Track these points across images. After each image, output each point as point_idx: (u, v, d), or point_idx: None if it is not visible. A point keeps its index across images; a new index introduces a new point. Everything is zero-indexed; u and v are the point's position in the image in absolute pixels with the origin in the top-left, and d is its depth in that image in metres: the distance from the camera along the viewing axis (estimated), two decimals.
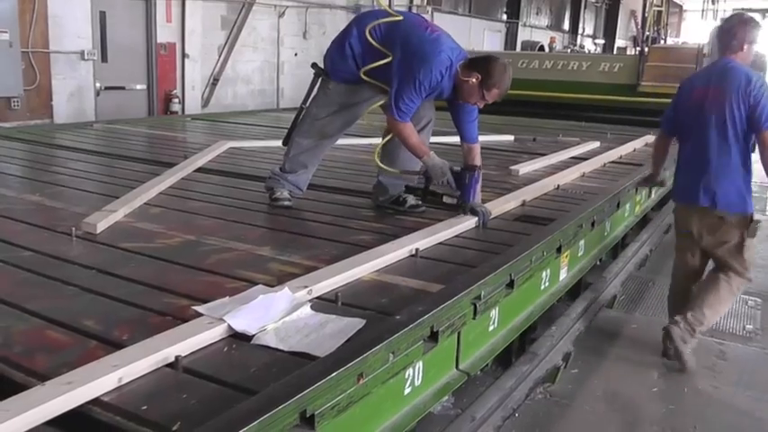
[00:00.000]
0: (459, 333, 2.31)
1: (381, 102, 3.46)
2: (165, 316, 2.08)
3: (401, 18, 3.36)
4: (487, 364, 3.21)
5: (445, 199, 3.50)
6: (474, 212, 3.37)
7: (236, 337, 1.94)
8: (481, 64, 3.24)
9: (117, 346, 1.84)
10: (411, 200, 3.66)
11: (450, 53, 3.23)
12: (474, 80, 3.19)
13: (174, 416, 1.52)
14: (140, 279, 2.43)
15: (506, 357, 3.24)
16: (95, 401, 1.58)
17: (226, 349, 1.89)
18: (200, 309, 2.05)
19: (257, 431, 1.41)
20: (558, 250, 3.14)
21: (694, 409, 3.29)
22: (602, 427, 3.12)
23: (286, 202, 3.66)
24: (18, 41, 7.16)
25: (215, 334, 1.91)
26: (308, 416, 1.56)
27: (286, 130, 3.76)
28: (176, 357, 1.75)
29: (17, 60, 7.16)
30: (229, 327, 1.94)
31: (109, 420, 1.55)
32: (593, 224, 3.66)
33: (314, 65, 3.61)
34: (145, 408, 1.55)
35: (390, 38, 3.30)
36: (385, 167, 3.52)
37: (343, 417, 1.70)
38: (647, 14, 11.44)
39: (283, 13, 11.37)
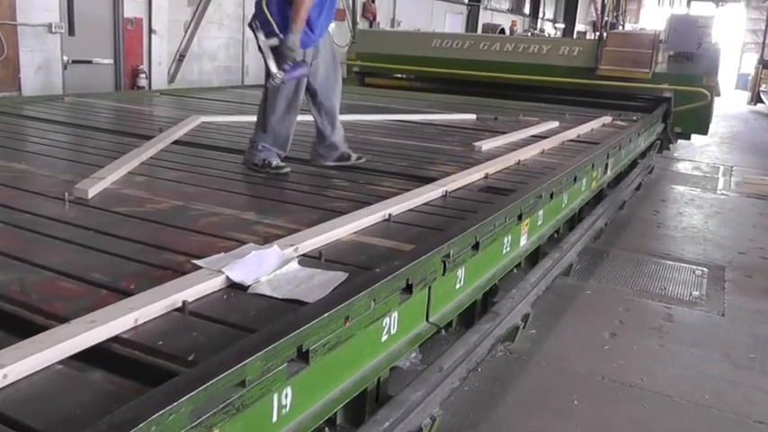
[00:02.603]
0: (430, 288, 2.56)
1: None
2: (167, 270, 2.28)
3: None
4: (452, 324, 3.49)
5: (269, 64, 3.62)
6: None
7: (234, 287, 2.15)
8: None
9: (126, 294, 2.03)
10: (275, 162, 3.97)
11: None
12: None
13: (188, 349, 1.73)
14: (138, 238, 2.62)
15: (470, 319, 3.52)
16: (115, 339, 1.78)
17: (225, 297, 2.10)
18: (199, 262, 2.26)
19: (262, 360, 1.63)
20: (519, 218, 3.40)
21: (642, 364, 3.61)
22: (557, 379, 3.42)
23: (286, 169, 3.97)
24: None
25: (215, 284, 2.13)
26: (303, 350, 1.79)
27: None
28: (183, 302, 1.96)
29: None
30: (227, 278, 2.16)
31: (128, 354, 1.75)
32: (551, 196, 3.94)
33: None
34: (161, 343, 1.76)
35: None
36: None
37: (332, 355, 1.94)
38: (603, 2, 11.78)
39: None
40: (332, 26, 4.26)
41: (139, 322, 1.85)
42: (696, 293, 4.77)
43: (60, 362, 1.65)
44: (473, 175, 4.02)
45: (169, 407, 1.35)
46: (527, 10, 26.86)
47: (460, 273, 2.85)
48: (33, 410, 1.46)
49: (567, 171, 4.25)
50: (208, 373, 1.49)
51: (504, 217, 3.17)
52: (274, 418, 1.79)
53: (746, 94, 24.22)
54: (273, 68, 3.60)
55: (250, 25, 3.76)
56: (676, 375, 3.54)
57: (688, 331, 4.13)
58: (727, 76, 26.00)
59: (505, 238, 3.37)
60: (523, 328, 3.68)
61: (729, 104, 21.72)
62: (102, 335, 1.76)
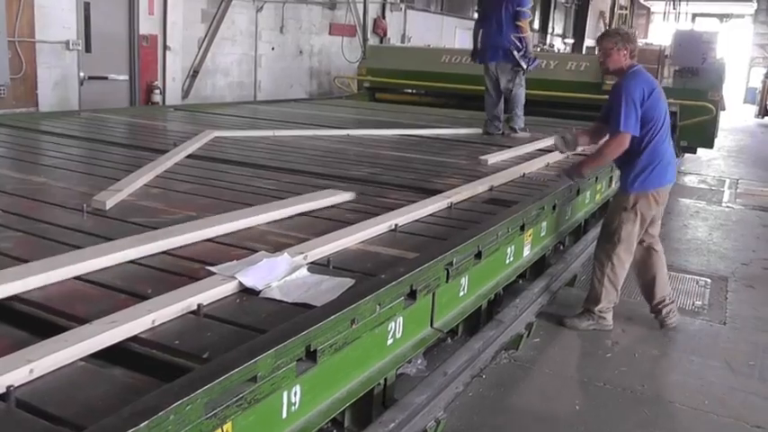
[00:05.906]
0: (434, 294, 2.66)
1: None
2: (182, 276, 2.40)
3: None
4: (458, 333, 3.59)
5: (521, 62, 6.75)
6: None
7: (246, 292, 2.27)
8: None
9: (143, 298, 2.15)
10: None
11: None
12: None
13: (202, 347, 1.85)
14: None
15: (476, 327, 3.61)
16: (134, 338, 1.90)
17: (238, 301, 2.22)
18: (213, 269, 2.38)
19: (273, 357, 1.74)
20: (522, 228, 3.50)
21: (643, 371, 3.67)
22: (559, 386, 3.50)
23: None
24: (4, 31, 7.29)
25: (228, 288, 2.24)
26: (311, 350, 1.90)
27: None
28: (198, 305, 2.08)
29: (3, 49, 7.29)
30: (240, 283, 2.27)
31: (146, 353, 1.87)
32: (554, 207, 4.03)
33: None
34: (177, 342, 1.88)
35: None
36: None
37: (339, 355, 2.04)
38: (611, 17, 11.86)
39: (261, 7, 11.61)
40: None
41: (157, 323, 1.97)
42: (698, 303, 4.82)
43: (82, 359, 1.77)
44: (478, 188, 4.11)
45: (187, 397, 1.46)
46: (536, 25, 27.00)
47: (464, 281, 2.95)
48: (58, 401, 1.58)
49: (569, 183, 4.34)
50: (222, 368, 1.61)
51: (507, 227, 3.27)
52: (284, 415, 1.90)
53: (754, 108, 24.21)
54: (524, 65, 6.72)
55: (506, 50, 6.70)
56: (676, 382, 3.60)
57: (689, 339, 4.18)
58: (735, 91, 25.94)
59: (508, 248, 3.46)
60: (527, 336, 3.78)
61: (738, 118, 21.73)
62: (122, 334, 1.87)
